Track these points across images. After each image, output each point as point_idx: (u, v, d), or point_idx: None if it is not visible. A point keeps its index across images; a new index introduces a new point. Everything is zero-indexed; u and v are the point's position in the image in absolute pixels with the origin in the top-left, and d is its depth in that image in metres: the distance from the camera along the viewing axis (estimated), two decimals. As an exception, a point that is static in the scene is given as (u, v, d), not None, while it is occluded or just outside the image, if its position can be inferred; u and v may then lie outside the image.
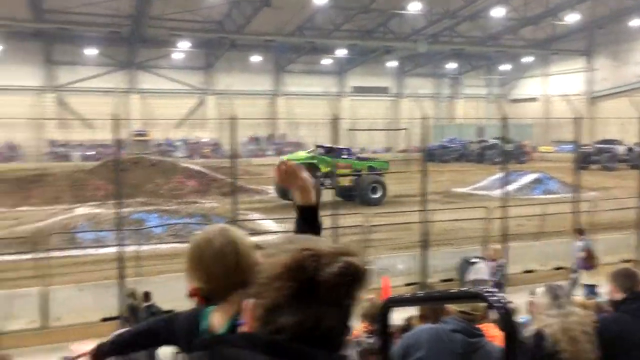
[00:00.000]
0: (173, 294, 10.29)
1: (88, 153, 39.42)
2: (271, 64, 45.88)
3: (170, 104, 42.92)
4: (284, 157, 17.75)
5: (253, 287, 0.96)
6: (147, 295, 8.29)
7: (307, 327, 0.90)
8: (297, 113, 43.98)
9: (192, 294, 1.76)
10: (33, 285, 10.23)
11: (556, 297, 2.82)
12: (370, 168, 21.67)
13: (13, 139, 38.29)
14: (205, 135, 43.93)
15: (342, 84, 48.47)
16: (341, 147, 22.41)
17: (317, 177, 20.14)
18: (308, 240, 0.97)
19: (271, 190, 23.70)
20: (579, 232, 11.08)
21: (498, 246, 10.86)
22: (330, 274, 0.91)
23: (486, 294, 1.05)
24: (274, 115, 45.51)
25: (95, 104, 38.94)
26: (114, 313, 9.60)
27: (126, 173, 19.69)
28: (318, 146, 23.33)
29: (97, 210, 16.91)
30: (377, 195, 20.24)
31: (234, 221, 11.78)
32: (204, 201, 20.29)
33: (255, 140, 45.00)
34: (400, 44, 41.71)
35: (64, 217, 16.35)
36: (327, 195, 20.72)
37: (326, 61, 46.55)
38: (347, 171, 21.28)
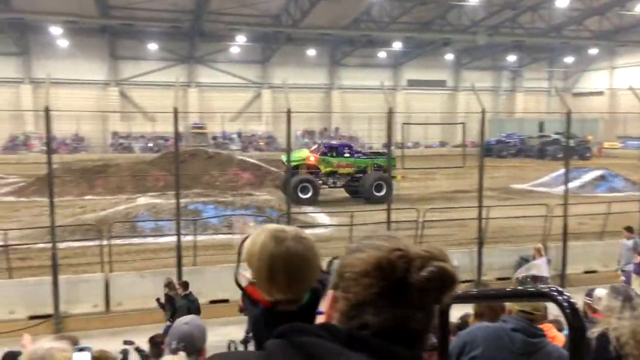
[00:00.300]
0: (228, 284, 10.52)
1: (149, 145, 40.90)
2: (326, 57, 45.93)
3: (226, 97, 43.74)
4: (283, 157, 17.80)
5: (337, 280, 0.96)
6: (185, 285, 8.52)
7: (392, 326, 0.90)
8: (351, 107, 43.88)
9: (263, 304, 1.61)
10: (97, 271, 10.71)
11: (629, 298, 2.69)
12: (376, 165, 21.04)
13: (79, 130, 40.07)
14: (260, 129, 44.56)
15: (397, 77, 47.96)
16: (344, 144, 22.80)
17: (319, 178, 20.63)
18: (398, 240, 0.96)
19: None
20: (629, 230, 10.68)
21: (539, 245, 10.58)
22: (422, 277, 0.90)
23: (554, 293, 1.01)
24: (328, 108, 45.57)
25: (155, 97, 40.23)
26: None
27: (184, 165, 20.27)
28: (320, 143, 23.27)
29: (157, 201, 17.49)
30: (382, 193, 19.50)
31: (287, 214, 11.92)
32: (258, 193, 20.61)
33: (309, 133, 45.25)
34: (459, 36, 40.76)
35: (126, 207, 16.99)
36: (331, 193, 21.10)
37: (382, 54, 46.17)
38: (349, 170, 21.19)
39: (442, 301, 0.93)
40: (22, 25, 37.33)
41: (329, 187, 21.36)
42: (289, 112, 10.29)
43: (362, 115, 36.63)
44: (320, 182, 20.82)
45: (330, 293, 0.97)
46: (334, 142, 25.51)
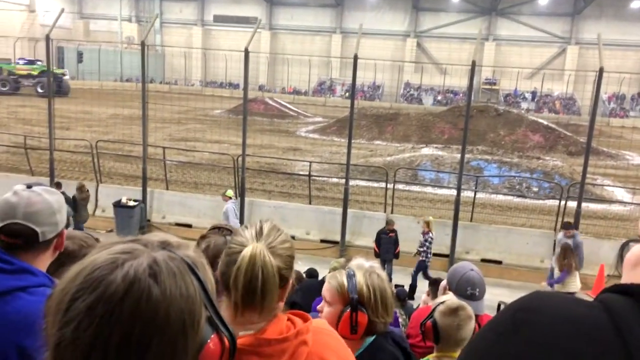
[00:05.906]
0: (501, 245, 10.22)
1: (437, 98, 41.51)
2: (655, 9, 39.08)
3: (524, 53, 41.18)
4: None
5: None
6: (58, 185, 9.53)
7: None
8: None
9: None
10: (379, 210, 11.54)
11: None
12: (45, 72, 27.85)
13: (377, 79, 42.88)
14: (558, 89, 40.92)
15: None
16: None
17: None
18: None
19: (630, 157, 20.98)
20: None
21: None
22: None
23: None
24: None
25: (450, 50, 40.25)
26: (445, 251, 10.11)
27: (471, 120, 19.95)
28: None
29: (440, 153, 17.79)
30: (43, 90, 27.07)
31: (579, 183, 10.82)
32: (547, 158, 19.20)
33: (617, 98, 39.74)
34: None
35: (410, 155, 17.74)
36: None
37: None
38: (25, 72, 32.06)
39: None
40: (340, -21, 41.08)
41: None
42: (600, 71, 9.11)
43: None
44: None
45: None
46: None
